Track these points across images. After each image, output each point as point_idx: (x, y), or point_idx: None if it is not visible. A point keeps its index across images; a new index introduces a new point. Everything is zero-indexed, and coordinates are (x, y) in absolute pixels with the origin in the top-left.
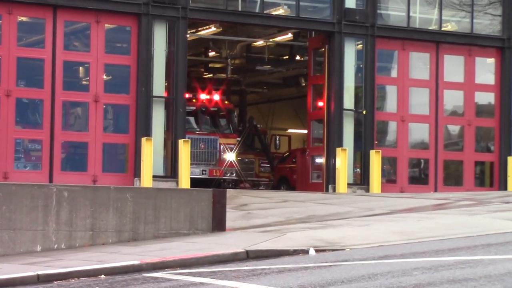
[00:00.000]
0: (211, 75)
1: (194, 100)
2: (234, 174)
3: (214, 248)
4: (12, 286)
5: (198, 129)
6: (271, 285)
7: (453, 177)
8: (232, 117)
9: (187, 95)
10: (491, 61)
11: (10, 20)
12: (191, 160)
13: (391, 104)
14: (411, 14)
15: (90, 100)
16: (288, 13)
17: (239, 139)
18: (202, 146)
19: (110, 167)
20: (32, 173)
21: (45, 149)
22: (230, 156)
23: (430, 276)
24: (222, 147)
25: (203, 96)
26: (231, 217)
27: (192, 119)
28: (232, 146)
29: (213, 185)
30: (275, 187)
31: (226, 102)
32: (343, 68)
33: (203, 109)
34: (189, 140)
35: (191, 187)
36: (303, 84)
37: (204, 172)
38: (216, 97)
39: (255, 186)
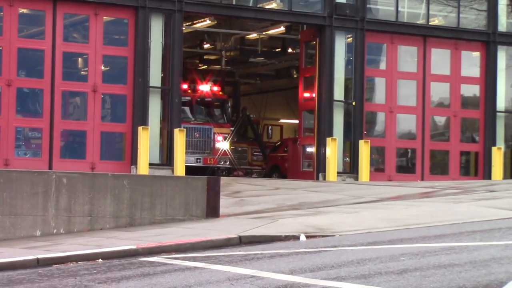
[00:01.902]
0: (206, 66)
1: (189, 91)
2: (228, 163)
3: (208, 234)
4: (13, 269)
5: (193, 119)
6: (263, 269)
7: (439, 166)
8: (226, 107)
9: (183, 86)
10: (476, 54)
11: (11, 12)
12: (186, 149)
13: (379, 95)
14: (399, 8)
15: (88, 90)
16: (281, 7)
17: (232, 128)
18: (197, 135)
19: (107, 155)
20: (32, 160)
21: (45, 137)
22: (223, 145)
23: (417, 262)
24: (216, 136)
25: (198, 87)
26: (225, 203)
27: (187, 109)
28: (226, 135)
29: (208, 173)
30: (267, 175)
31: (220, 92)
32: (334, 60)
33: (198, 99)
34: (184, 129)
35: (186, 174)
36: (295, 76)
37: (198, 160)
38: (211, 88)
39: (248, 174)
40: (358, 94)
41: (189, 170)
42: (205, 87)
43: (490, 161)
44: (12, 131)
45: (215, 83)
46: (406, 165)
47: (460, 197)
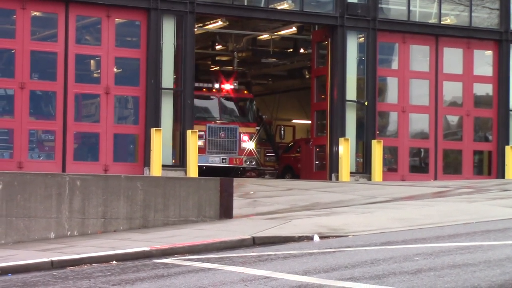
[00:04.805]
0: (218, 67)
1: (214, 90)
2: (254, 163)
3: (222, 235)
4: (27, 271)
5: (218, 118)
6: (277, 270)
7: (452, 166)
8: (251, 106)
9: (209, 85)
10: (489, 53)
11: (24, 15)
12: (211, 149)
13: (392, 95)
14: (411, 8)
15: (101, 92)
16: (292, 7)
17: (258, 128)
18: (222, 135)
19: (120, 157)
20: (46, 162)
21: (58, 140)
22: (249, 145)
23: (431, 262)
24: (242, 136)
25: (224, 86)
26: (238, 204)
27: (213, 108)
28: (252, 134)
29: (232, 174)
30: (280, 175)
31: (245, 91)
32: (346, 60)
33: (223, 98)
34: (196, 130)
35: (209, 176)
36: (307, 76)
37: (224, 160)
38: (236, 86)
39: (260, 175)
40: (371, 94)
41: (213, 171)
42: (229, 86)
43: (504, 160)
44: (25, 134)
45: (240, 82)
46: (419, 164)
47: (474, 197)
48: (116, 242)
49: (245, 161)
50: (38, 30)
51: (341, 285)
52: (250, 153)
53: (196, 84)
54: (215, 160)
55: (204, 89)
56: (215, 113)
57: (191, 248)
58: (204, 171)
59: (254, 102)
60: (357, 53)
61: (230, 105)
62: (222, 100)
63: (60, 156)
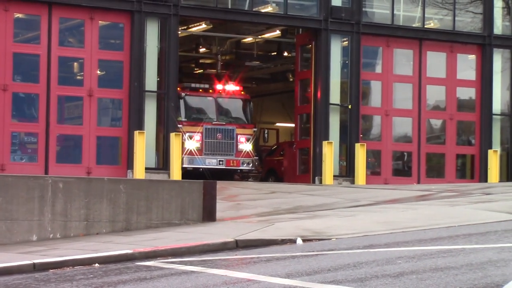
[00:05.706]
0: (202, 70)
1: (210, 91)
2: (251, 165)
3: (205, 238)
4: (9, 274)
5: (215, 120)
6: (259, 273)
7: (435, 170)
8: (249, 107)
9: (205, 86)
10: (472, 57)
11: (6, 16)
12: (207, 151)
13: (375, 98)
14: (395, 12)
15: (84, 94)
16: (276, 11)
17: (255, 129)
18: (219, 136)
19: (103, 160)
20: (28, 165)
21: (40, 142)
22: (246, 146)
23: (413, 265)
24: (239, 137)
25: (220, 87)
26: (221, 207)
27: (209, 109)
28: (249, 136)
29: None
30: (264, 179)
31: (242, 92)
32: (330, 64)
33: (220, 99)
34: (180, 133)
35: (208, 178)
36: (291, 79)
37: (221, 162)
38: (233, 87)
39: (244, 178)
40: (354, 98)
41: (210, 172)
42: (226, 87)
43: (486, 164)
44: (7, 136)
45: (237, 82)
46: (402, 168)
47: (456, 200)
48: (98, 245)
49: (242, 163)
50: (20, 32)
51: None
52: (247, 154)
53: (192, 85)
54: (212, 162)
55: (200, 90)
56: (212, 114)
57: (174, 251)
58: (201, 173)
59: (251, 103)
60: (341, 56)
61: (227, 106)
62: (219, 100)
63: (43, 158)
